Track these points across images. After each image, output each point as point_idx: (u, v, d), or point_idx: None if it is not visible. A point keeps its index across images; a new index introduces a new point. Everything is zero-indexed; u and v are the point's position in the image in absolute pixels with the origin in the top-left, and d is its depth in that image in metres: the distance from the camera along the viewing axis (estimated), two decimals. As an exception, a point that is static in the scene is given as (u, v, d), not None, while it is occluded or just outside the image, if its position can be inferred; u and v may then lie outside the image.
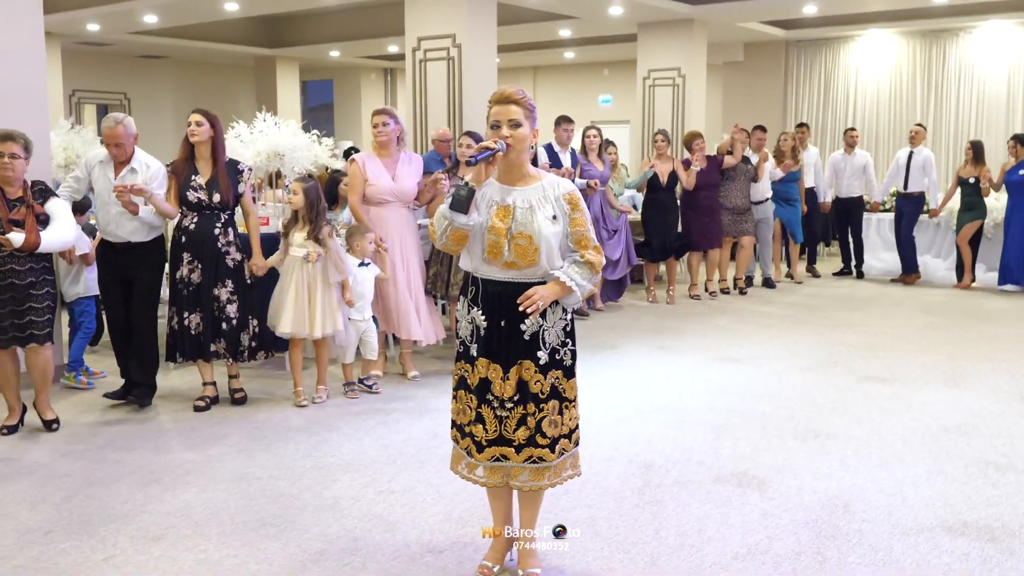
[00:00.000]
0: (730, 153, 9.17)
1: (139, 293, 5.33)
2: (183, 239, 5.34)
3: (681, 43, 12.21)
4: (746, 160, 9.37)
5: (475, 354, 3.17)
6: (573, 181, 7.51)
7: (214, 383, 5.55)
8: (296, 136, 7.79)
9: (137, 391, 5.41)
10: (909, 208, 10.43)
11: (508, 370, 3.12)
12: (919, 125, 10.72)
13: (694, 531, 3.70)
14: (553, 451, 3.15)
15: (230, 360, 5.48)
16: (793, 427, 5.11)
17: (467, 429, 3.22)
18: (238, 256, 5.43)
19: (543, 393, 3.12)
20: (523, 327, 3.10)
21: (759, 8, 12.50)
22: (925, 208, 10.69)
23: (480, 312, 3.15)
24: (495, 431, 3.15)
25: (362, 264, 5.66)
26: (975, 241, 10.12)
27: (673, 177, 8.76)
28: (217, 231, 5.34)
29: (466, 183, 3.02)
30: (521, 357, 3.11)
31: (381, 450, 4.71)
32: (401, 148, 5.99)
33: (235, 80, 18.72)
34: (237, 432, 5.03)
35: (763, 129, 10.01)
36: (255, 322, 5.50)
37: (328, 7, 13.88)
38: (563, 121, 7.99)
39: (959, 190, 10.12)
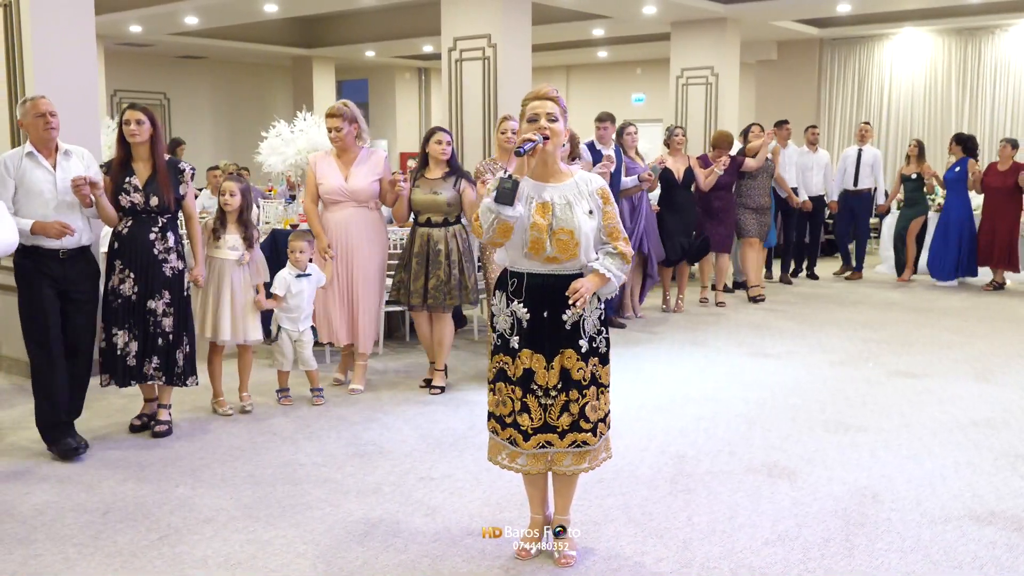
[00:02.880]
0: (755, 156, 8.97)
1: (86, 310, 4.75)
2: (116, 245, 4.83)
3: (714, 42, 12.26)
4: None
5: (516, 346, 3.29)
6: (620, 178, 7.60)
7: (155, 399, 5.09)
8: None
9: (72, 436, 4.65)
10: (861, 206, 10.76)
11: (551, 359, 3.26)
12: (866, 123, 11.10)
13: (725, 518, 3.80)
14: (595, 435, 3.30)
15: (163, 382, 4.90)
16: (824, 419, 5.19)
17: (509, 420, 3.34)
18: (179, 264, 4.87)
19: (585, 380, 3.26)
20: (564, 317, 3.23)
21: (793, 6, 12.53)
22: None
23: (522, 304, 3.27)
24: (540, 419, 3.29)
25: (300, 275, 5.41)
26: (918, 236, 10.55)
27: (689, 174, 8.47)
28: (153, 236, 4.78)
29: (510, 175, 3.14)
30: (563, 346, 3.25)
31: (420, 440, 4.85)
32: (362, 145, 5.69)
33: (272, 80, 19.01)
34: (281, 422, 5.20)
35: (786, 123, 10.18)
36: (187, 340, 4.96)
37: (364, 7, 14.07)
38: (601, 120, 7.94)
39: (901, 187, 10.59)
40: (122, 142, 4.79)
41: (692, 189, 8.63)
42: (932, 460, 4.51)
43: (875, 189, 11.00)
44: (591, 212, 3.22)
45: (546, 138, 3.18)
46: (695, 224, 8.61)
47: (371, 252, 5.72)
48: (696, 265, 9.16)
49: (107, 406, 5.41)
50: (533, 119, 3.20)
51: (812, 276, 10.94)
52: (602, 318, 3.32)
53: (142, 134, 4.75)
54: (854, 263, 10.99)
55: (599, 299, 3.29)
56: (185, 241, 5.17)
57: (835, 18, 13.71)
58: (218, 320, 5.13)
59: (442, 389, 5.81)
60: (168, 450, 4.72)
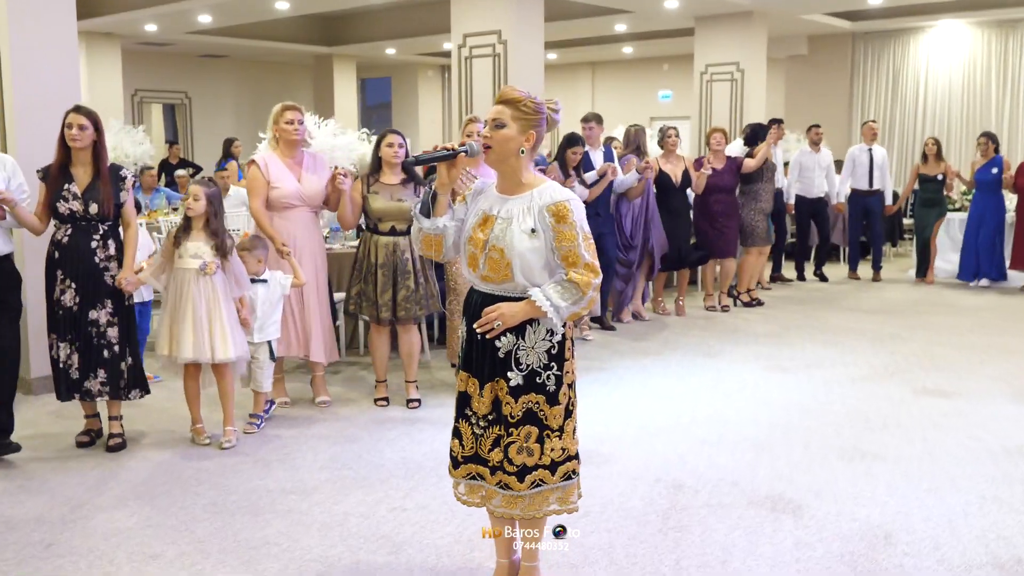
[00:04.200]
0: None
1: (7, 318, 4.57)
2: (56, 254, 4.60)
3: (740, 36, 11.82)
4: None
5: (460, 365, 3.05)
6: (614, 179, 7.24)
7: (97, 415, 4.86)
8: (336, 136, 7.67)
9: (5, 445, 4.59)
10: (876, 206, 10.37)
11: (483, 386, 2.95)
12: (873, 121, 10.72)
13: (718, 562, 3.44)
14: (521, 480, 2.91)
15: (108, 396, 4.68)
16: (839, 445, 4.79)
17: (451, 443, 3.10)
18: (120, 273, 4.66)
19: (513, 417, 2.90)
20: (498, 343, 2.90)
21: (823, -1, 12.07)
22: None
23: (465, 321, 3.02)
24: (471, 448, 3.00)
25: (253, 281, 4.97)
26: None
27: (687, 177, 8.00)
28: (94, 244, 4.57)
29: (431, 187, 2.96)
30: (496, 375, 2.93)
31: (400, 463, 4.53)
32: (304, 148, 5.44)
33: (294, 79, 18.82)
34: (256, 440, 4.90)
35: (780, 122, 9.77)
36: (129, 350, 4.72)
37: (379, 4, 13.82)
38: (586, 120, 7.56)
39: (918, 187, 10.24)
40: (63, 146, 4.56)
41: (690, 193, 8.18)
42: (955, 494, 4.10)
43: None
44: (533, 231, 2.83)
45: (488, 148, 2.87)
46: (691, 229, 8.17)
47: (322, 258, 5.51)
48: (700, 270, 8.74)
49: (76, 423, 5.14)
50: (483, 125, 2.91)
51: (821, 277, 10.57)
52: (553, 352, 2.91)
53: (84, 139, 4.53)
54: (872, 263, 10.57)
55: (550, 331, 2.90)
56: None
57: (868, 10, 13.19)
58: (178, 336, 4.65)
59: (419, 401, 5.54)
60: (131, 472, 4.43)
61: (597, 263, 2.88)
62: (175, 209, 9.38)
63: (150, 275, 4.83)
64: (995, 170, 9.50)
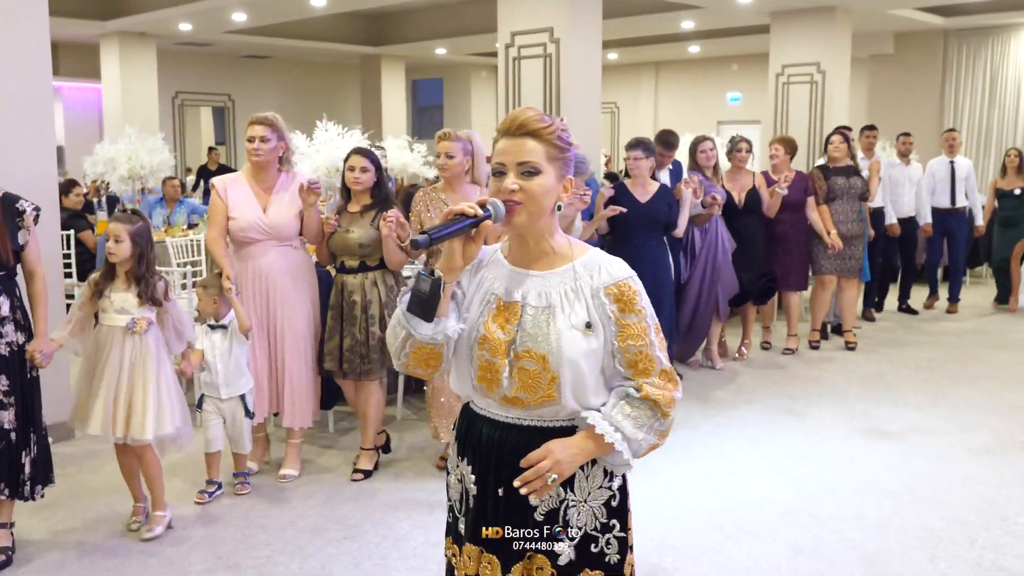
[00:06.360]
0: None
1: None
2: None
3: (820, 34, 10.64)
4: (850, 171, 7.31)
5: (463, 532, 1.99)
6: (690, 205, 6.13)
7: (8, 525, 3.71)
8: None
9: None
10: (960, 227, 9.05)
11: (510, 567, 1.91)
12: (953, 130, 9.34)
13: None
14: None
15: (5, 496, 3.61)
16: (975, 559, 3.70)
17: None
18: (18, 338, 3.60)
19: None
20: (533, 500, 1.88)
21: (914, -8, 10.84)
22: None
23: (470, 467, 1.97)
24: None
25: (215, 326, 4.18)
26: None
27: (752, 198, 6.74)
28: None
29: (431, 270, 1.85)
30: (532, 548, 1.90)
31: (406, 577, 3.55)
32: (286, 170, 4.47)
33: (340, 80, 18.08)
34: (212, 544, 3.90)
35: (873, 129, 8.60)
36: (35, 438, 3.66)
37: (426, 2, 12.94)
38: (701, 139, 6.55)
39: (996, 203, 9.12)
40: None
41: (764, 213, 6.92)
42: None
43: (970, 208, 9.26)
44: (589, 325, 1.83)
45: (514, 208, 1.85)
46: (763, 256, 6.90)
47: (298, 303, 4.50)
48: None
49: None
50: (499, 172, 1.87)
51: (908, 310, 9.09)
52: (614, 504, 1.92)
53: None
54: (948, 292, 9.23)
55: (609, 473, 1.90)
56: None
57: (963, 5, 11.88)
58: (88, 406, 3.72)
59: (367, 474, 4.59)
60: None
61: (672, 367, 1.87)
62: (193, 226, 8.53)
63: (67, 335, 3.78)
64: None
